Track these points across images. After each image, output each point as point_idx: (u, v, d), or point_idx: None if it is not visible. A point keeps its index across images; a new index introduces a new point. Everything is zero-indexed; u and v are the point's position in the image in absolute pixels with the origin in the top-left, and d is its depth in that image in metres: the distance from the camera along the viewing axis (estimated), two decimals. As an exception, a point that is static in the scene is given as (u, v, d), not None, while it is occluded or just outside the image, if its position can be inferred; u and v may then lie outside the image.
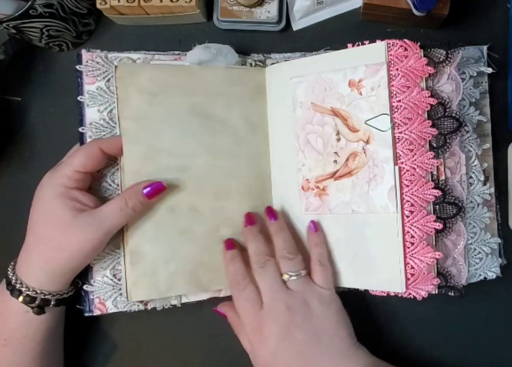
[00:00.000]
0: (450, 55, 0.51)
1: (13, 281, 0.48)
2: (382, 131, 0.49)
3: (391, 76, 0.50)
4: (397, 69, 0.49)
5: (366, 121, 0.50)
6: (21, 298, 0.48)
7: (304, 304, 0.49)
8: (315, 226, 0.53)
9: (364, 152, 0.50)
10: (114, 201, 0.49)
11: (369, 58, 0.50)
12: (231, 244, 0.53)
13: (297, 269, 0.50)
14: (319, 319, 0.49)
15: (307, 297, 0.49)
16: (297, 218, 0.54)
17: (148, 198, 0.50)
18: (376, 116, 0.50)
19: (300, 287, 0.49)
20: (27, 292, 0.48)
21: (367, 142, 0.50)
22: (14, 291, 0.48)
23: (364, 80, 0.50)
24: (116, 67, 0.52)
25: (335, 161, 0.52)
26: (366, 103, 0.50)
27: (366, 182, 0.50)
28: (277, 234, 0.52)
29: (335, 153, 0.52)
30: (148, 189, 0.50)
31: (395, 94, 0.49)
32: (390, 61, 0.50)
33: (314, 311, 0.49)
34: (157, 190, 0.50)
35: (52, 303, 0.49)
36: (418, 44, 0.49)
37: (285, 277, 0.50)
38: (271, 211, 0.53)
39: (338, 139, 0.51)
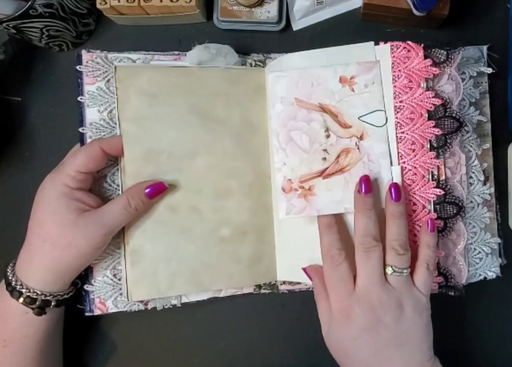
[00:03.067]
0: (450, 56, 0.51)
1: (13, 282, 0.48)
2: (377, 126, 0.49)
3: (394, 77, 0.50)
4: (400, 70, 0.50)
5: (360, 117, 0.50)
6: (21, 299, 0.48)
7: (398, 304, 0.46)
8: (433, 226, 0.49)
9: (358, 148, 0.50)
10: (117, 200, 0.50)
11: (367, 57, 0.50)
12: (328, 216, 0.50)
13: (403, 266, 0.47)
14: (408, 324, 0.46)
15: (403, 298, 0.46)
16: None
17: (149, 197, 0.50)
18: (371, 113, 0.50)
19: (400, 285, 0.46)
20: (28, 294, 0.48)
21: (361, 138, 0.50)
22: (14, 292, 0.48)
23: (356, 77, 0.50)
24: (115, 67, 0.52)
25: (324, 158, 0.51)
26: (360, 100, 0.50)
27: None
28: (394, 220, 0.48)
29: (324, 150, 0.51)
30: (150, 189, 0.50)
31: (398, 95, 0.50)
32: (393, 63, 0.50)
33: (406, 314, 0.46)
34: (159, 190, 0.51)
35: (52, 303, 0.49)
36: (422, 45, 0.50)
37: (389, 270, 0.46)
38: (396, 189, 0.48)
39: (328, 136, 0.50)
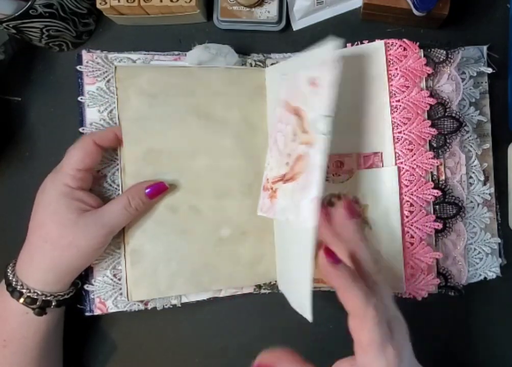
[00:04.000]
0: (450, 55, 0.51)
1: (13, 282, 0.48)
2: (320, 134, 0.43)
3: (390, 75, 0.50)
4: (396, 69, 0.49)
5: (312, 122, 0.45)
6: (21, 300, 0.48)
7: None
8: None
9: (308, 156, 0.44)
10: (117, 200, 0.50)
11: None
12: (334, 256, 0.39)
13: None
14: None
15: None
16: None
17: (150, 197, 0.50)
18: (319, 118, 0.43)
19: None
20: (28, 294, 0.48)
21: (311, 145, 0.44)
22: (15, 292, 0.48)
23: (318, 78, 0.45)
24: (115, 67, 0.52)
25: (287, 163, 0.47)
26: (317, 103, 0.45)
27: (301, 190, 0.44)
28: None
29: (288, 154, 0.47)
30: (150, 189, 0.50)
31: (395, 94, 0.49)
32: (389, 61, 0.50)
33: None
34: (159, 190, 0.51)
35: (53, 303, 0.49)
36: (418, 43, 0.50)
37: None
38: (349, 206, 0.43)
39: (293, 140, 0.47)
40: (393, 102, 0.49)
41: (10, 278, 0.49)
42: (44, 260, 0.48)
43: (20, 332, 0.49)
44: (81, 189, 0.50)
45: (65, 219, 0.48)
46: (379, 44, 0.50)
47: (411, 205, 0.49)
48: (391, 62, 0.50)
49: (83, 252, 0.48)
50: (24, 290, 0.48)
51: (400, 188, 0.49)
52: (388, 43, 0.50)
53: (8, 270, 0.50)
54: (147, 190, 0.50)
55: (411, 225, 0.49)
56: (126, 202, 0.49)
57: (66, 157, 0.51)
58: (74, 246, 0.48)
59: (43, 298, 0.48)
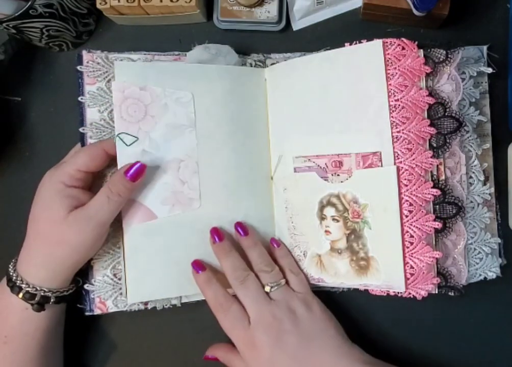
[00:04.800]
0: (449, 55, 0.51)
1: (13, 277, 0.49)
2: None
3: (388, 75, 0.50)
4: (395, 68, 0.49)
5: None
6: (20, 294, 0.48)
7: (289, 311, 0.50)
8: (277, 240, 0.55)
9: None
10: (100, 191, 0.50)
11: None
12: (200, 265, 0.52)
13: (276, 279, 0.51)
14: (306, 322, 0.50)
15: (290, 303, 0.51)
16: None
17: (132, 180, 0.50)
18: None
19: (282, 295, 0.51)
20: (27, 289, 0.48)
21: None
22: (14, 287, 0.48)
23: None
24: (115, 68, 0.52)
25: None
26: None
27: None
28: (251, 249, 0.52)
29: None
30: (129, 172, 0.49)
31: (393, 93, 0.49)
32: (388, 60, 0.50)
33: (299, 315, 0.50)
34: (139, 172, 0.50)
35: (51, 300, 0.49)
36: (416, 43, 0.49)
37: (267, 288, 0.51)
38: (241, 226, 0.53)
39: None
40: (392, 101, 0.49)
41: (11, 273, 0.49)
42: (39, 256, 0.48)
43: (20, 328, 0.49)
44: (76, 188, 0.50)
45: (56, 216, 0.48)
46: (377, 43, 0.50)
47: (411, 204, 0.49)
48: (389, 61, 0.50)
49: (75, 248, 0.48)
50: (23, 285, 0.48)
51: (399, 187, 0.49)
52: (387, 42, 0.50)
53: (10, 265, 0.50)
54: (127, 175, 0.49)
55: (411, 225, 0.49)
56: (107, 191, 0.49)
57: (71, 157, 0.51)
58: (65, 242, 0.48)
59: (41, 293, 0.48)
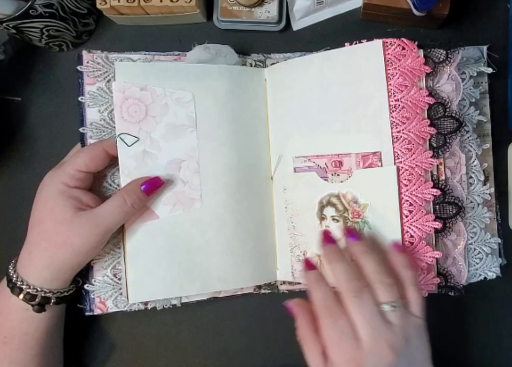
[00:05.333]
0: (449, 55, 0.51)
1: (14, 278, 0.48)
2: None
3: (388, 75, 0.50)
4: (395, 68, 0.49)
5: None
6: (21, 296, 0.48)
7: (406, 341, 0.43)
8: (399, 248, 0.48)
9: None
10: (113, 198, 0.50)
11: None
12: (311, 264, 0.48)
13: (395, 297, 0.44)
14: (416, 353, 0.44)
15: (407, 332, 0.44)
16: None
17: (146, 194, 0.50)
18: None
19: (400, 320, 0.43)
20: (28, 290, 0.48)
21: None
22: (15, 288, 0.48)
23: None
24: (115, 68, 0.52)
25: None
26: None
27: None
28: (366, 255, 0.46)
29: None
30: (146, 185, 0.50)
31: (393, 93, 0.49)
32: (388, 60, 0.50)
33: (412, 347, 0.44)
34: (155, 186, 0.51)
35: (52, 301, 0.49)
36: (416, 43, 0.49)
37: (386, 307, 0.43)
38: (351, 231, 0.48)
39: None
40: (392, 101, 0.49)
41: (11, 274, 0.49)
42: (40, 257, 0.48)
43: (20, 329, 0.49)
44: (79, 188, 0.50)
45: (60, 217, 0.48)
46: (377, 43, 0.50)
47: (411, 204, 0.49)
48: (389, 61, 0.50)
49: (78, 250, 0.48)
50: (23, 286, 0.48)
51: (399, 187, 0.49)
52: (387, 42, 0.50)
53: (10, 266, 0.50)
54: (142, 187, 0.50)
55: (411, 224, 0.49)
56: (121, 200, 0.49)
57: (71, 157, 0.51)
58: (69, 244, 0.48)
59: (42, 294, 0.48)
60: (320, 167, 0.53)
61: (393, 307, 0.43)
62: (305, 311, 0.46)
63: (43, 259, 0.48)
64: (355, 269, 0.45)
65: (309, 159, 0.53)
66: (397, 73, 0.49)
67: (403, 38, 0.49)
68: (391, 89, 0.49)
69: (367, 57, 0.50)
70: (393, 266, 0.46)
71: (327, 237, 0.49)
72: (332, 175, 0.52)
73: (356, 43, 0.51)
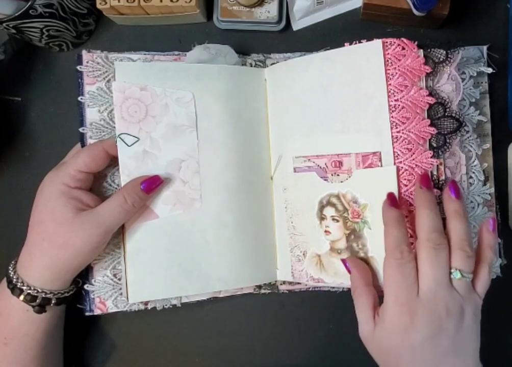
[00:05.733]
0: (449, 55, 0.51)
1: (14, 279, 0.48)
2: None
3: (388, 75, 0.50)
4: (394, 68, 0.49)
5: None
6: (21, 297, 0.48)
7: (461, 312, 0.43)
8: (494, 225, 0.47)
9: None
10: (113, 198, 0.50)
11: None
12: (396, 202, 0.46)
13: (470, 270, 0.44)
14: (467, 332, 0.44)
15: (466, 304, 0.44)
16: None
17: (146, 192, 0.50)
18: None
19: (464, 290, 0.44)
20: (28, 291, 0.48)
21: None
22: (15, 289, 0.48)
23: None
24: (115, 68, 0.52)
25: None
26: None
27: None
28: (459, 217, 0.45)
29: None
30: (145, 183, 0.50)
31: (393, 93, 0.49)
32: (387, 60, 0.50)
33: (465, 320, 0.44)
34: (155, 184, 0.51)
35: (53, 301, 0.49)
36: (416, 43, 0.49)
37: (457, 274, 0.43)
38: (454, 185, 0.46)
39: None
40: (392, 101, 0.49)
41: (11, 275, 0.49)
42: (41, 258, 0.48)
43: (20, 329, 0.49)
44: (79, 189, 0.50)
45: (61, 218, 0.48)
46: (376, 43, 0.50)
47: (411, 204, 0.49)
48: (389, 61, 0.50)
49: (80, 251, 0.48)
50: (24, 287, 0.48)
51: (399, 187, 0.49)
52: (387, 42, 0.50)
53: (10, 267, 0.50)
54: (142, 185, 0.50)
55: (411, 225, 0.49)
56: (121, 199, 0.49)
57: (71, 157, 0.51)
58: (70, 245, 0.48)
59: (43, 295, 0.48)
60: (320, 167, 0.53)
61: (463, 277, 0.43)
62: (360, 266, 0.48)
63: (44, 260, 0.48)
64: (441, 223, 0.45)
65: (309, 159, 0.53)
66: (396, 73, 0.49)
67: (403, 39, 0.49)
68: (391, 89, 0.49)
69: (367, 57, 0.50)
70: (480, 242, 0.47)
71: (424, 180, 0.46)
72: (332, 175, 0.52)
73: (356, 43, 0.51)
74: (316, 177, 0.52)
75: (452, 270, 0.44)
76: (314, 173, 0.53)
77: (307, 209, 0.53)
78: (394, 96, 0.49)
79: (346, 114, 0.51)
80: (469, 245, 0.44)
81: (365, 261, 0.51)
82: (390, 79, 0.49)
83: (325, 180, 0.52)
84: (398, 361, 0.45)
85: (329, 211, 0.52)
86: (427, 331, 0.43)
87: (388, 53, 0.50)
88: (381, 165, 0.50)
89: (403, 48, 0.49)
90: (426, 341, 0.43)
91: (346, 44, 0.51)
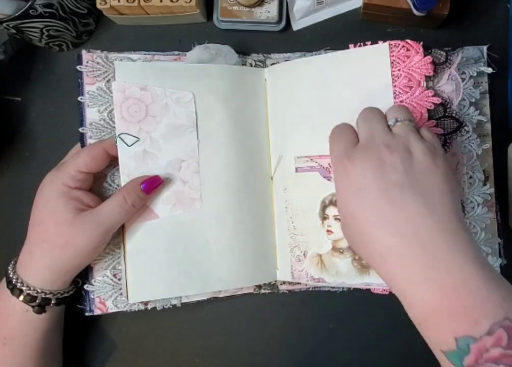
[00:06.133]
0: (450, 57, 0.51)
1: (14, 280, 0.48)
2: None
3: (393, 76, 0.50)
4: (399, 70, 0.50)
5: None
6: (21, 297, 0.48)
7: (406, 149, 0.40)
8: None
9: None
10: (113, 198, 0.50)
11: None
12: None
13: (406, 117, 0.42)
14: (419, 169, 0.40)
15: (411, 144, 0.41)
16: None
17: (146, 192, 0.50)
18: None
19: (405, 132, 0.41)
20: (28, 291, 0.48)
21: None
22: (15, 290, 0.48)
23: None
24: (115, 67, 0.52)
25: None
26: None
27: None
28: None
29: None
30: (146, 184, 0.50)
31: (398, 94, 0.49)
32: (392, 62, 0.50)
33: (416, 159, 0.40)
34: (155, 184, 0.51)
35: (52, 302, 0.49)
36: (421, 43, 0.50)
37: (391, 120, 0.42)
38: None
39: None
40: (396, 102, 0.49)
41: (11, 275, 0.49)
42: (42, 259, 0.48)
43: (20, 330, 0.49)
44: (80, 189, 0.50)
45: (61, 218, 0.48)
46: (383, 46, 0.50)
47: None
48: (394, 63, 0.50)
49: (80, 251, 0.48)
50: (24, 288, 0.48)
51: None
52: (391, 44, 0.50)
53: (10, 267, 0.50)
54: (142, 185, 0.50)
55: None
56: (121, 199, 0.49)
57: (71, 157, 0.51)
58: (71, 245, 0.48)
59: (43, 296, 0.48)
60: (323, 167, 0.53)
61: (400, 121, 0.42)
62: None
63: (44, 260, 0.48)
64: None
65: (312, 159, 0.53)
66: (401, 74, 0.49)
67: (407, 40, 0.49)
68: (396, 90, 0.50)
69: (373, 59, 0.50)
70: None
71: None
72: None
73: (360, 45, 0.51)
74: (319, 177, 0.52)
75: (388, 120, 0.43)
76: (316, 173, 0.53)
77: (308, 209, 0.53)
78: (400, 97, 0.49)
79: (349, 115, 0.51)
80: (399, 105, 0.44)
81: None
82: (395, 80, 0.50)
83: (328, 180, 0.52)
84: (354, 213, 0.40)
85: (331, 211, 0.52)
86: (367, 165, 0.40)
87: (393, 55, 0.50)
88: None
89: (408, 49, 0.50)
90: (369, 176, 0.39)
91: (350, 45, 0.51)
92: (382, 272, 0.40)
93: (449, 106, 0.50)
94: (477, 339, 0.35)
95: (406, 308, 0.39)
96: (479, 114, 0.53)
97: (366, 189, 0.40)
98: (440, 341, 0.37)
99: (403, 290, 0.39)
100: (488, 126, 0.55)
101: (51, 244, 0.48)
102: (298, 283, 0.56)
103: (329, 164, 0.52)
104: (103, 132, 0.54)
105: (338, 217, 0.52)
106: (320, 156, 0.53)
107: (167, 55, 0.56)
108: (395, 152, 0.40)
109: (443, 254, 0.37)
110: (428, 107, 0.49)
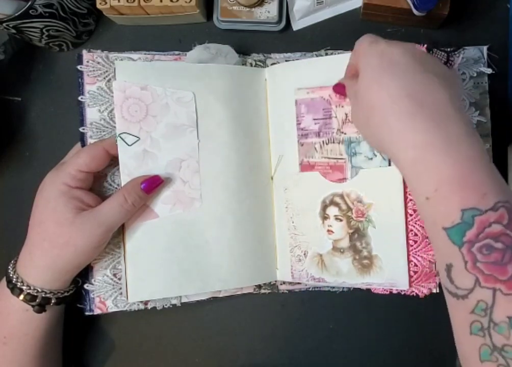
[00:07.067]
0: (450, 58, 0.51)
1: (14, 279, 0.48)
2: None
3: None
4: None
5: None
6: (21, 296, 0.48)
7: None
8: None
9: None
10: (113, 198, 0.50)
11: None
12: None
13: None
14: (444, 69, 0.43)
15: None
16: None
17: (146, 192, 0.50)
18: None
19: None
20: (28, 291, 0.48)
21: None
22: (15, 289, 0.48)
23: None
24: (115, 67, 0.52)
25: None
26: None
27: None
28: None
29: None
30: (146, 183, 0.50)
31: None
32: None
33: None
34: (155, 184, 0.51)
35: (52, 301, 0.49)
36: (425, 46, 0.49)
37: None
38: None
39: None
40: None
41: (11, 275, 0.49)
42: (42, 258, 0.48)
43: (20, 329, 0.49)
44: (80, 189, 0.50)
45: (62, 218, 0.48)
46: None
47: (415, 204, 0.49)
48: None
49: (81, 250, 0.48)
50: (24, 287, 0.48)
51: (404, 186, 0.49)
52: None
53: (10, 267, 0.50)
54: (142, 185, 0.50)
55: (415, 223, 0.49)
56: (122, 199, 0.49)
57: (71, 157, 0.51)
58: (71, 245, 0.48)
59: (43, 295, 0.48)
60: (323, 99, 0.52)
61: None
62: None
63: (45, 260, 0.48)
64: None
65: (313, 91, 0.53)
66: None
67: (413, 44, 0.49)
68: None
69: None
70: None
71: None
72: (336, 106, 0.52)
73: None
74: (320, 177, 0.52)
75: None
76: (317, 173, 0.53)
77: (309, 209, 0.53)
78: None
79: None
80: None
81: (369, 259, 0.51)
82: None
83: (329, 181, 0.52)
84: (380, 82, 0.41)
85: (332, 211, 0.52)
86: (405, 49, 0.42)
87: None
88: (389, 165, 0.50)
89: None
90: (408, 57, 0.41)
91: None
92: (395, 139, 0.40)
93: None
94: (482, 211, 0.36)
95: (413, 186, 0.40)
96: (479, 114, 0.53)
97: (399, 64, 0.41)
98: (445, 215, 0.37)
99: (416, 158, 0.39)
100: (488, 126, 0.55)
101: (51, 243, 0.48)
102: (298, 283, 0.56)
103: (329, 95, 0.52)
104: (104, 131, 0.54)
105: (339, 217, 0.52)
106: (320, 87, 0.52)
107: (167, 55, 0.56)
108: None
109: (463, 130, 0.39)
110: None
